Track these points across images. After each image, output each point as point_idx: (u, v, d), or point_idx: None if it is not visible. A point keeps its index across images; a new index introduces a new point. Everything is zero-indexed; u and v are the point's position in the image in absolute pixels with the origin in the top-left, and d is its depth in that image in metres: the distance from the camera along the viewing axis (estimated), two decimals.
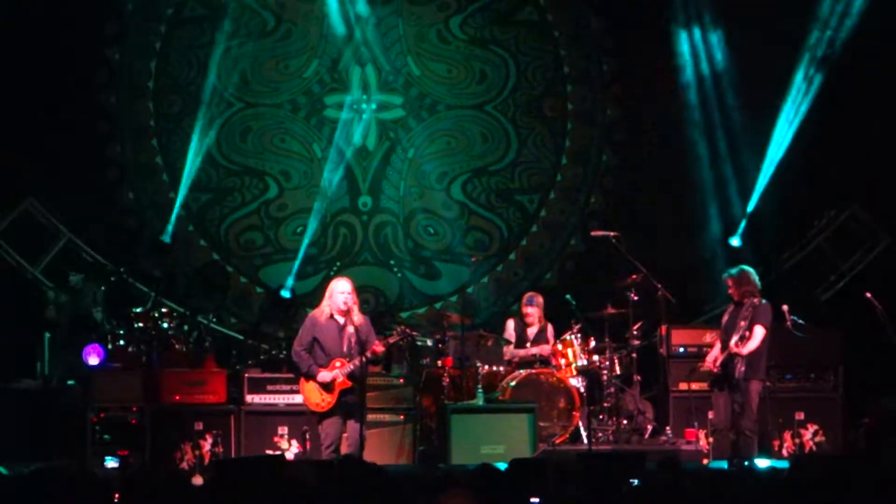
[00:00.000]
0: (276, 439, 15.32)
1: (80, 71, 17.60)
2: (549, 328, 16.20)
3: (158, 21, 17.97)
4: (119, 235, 17.76)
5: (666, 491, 9.12)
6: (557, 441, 15.34)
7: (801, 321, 15.56)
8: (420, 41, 18.33)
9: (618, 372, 16.01)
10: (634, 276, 16.03)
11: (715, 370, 14.29)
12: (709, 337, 15.42)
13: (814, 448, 15.69)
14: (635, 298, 15.90)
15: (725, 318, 14.46)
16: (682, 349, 15.87)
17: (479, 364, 15.60)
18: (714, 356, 14.34)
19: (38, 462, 13.21)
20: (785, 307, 15.42)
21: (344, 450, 13.66)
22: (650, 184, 18.14)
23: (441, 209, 18.41)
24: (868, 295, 15.15)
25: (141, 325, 15.95)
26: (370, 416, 14.57)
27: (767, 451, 15.22)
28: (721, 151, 17.93)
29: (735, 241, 17.62)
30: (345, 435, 13.69)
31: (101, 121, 17.87)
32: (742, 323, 14.14)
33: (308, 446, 15.06)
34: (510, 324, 16.38)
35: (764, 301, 14.36)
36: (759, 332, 14.11)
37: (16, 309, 16.62)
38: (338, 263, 18.18)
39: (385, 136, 18.37)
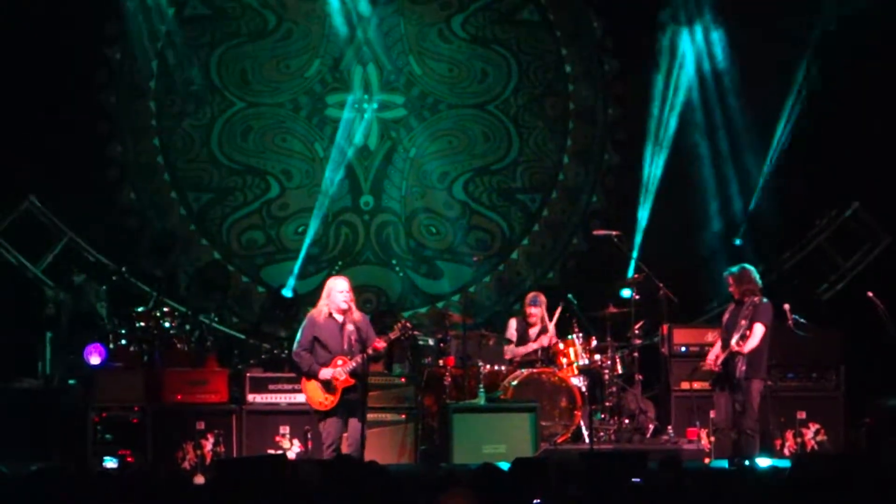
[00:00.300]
0: (277, 439, 15.32)
1: (81, 71, 17.60)
2: (551, 326, 16.18)
3: (159, 20, 17.96)
4: (120, 235, 17.76)
5: (667, 490, 9.11)
6: (559, 440, 15.34)
7: (802, 320, 15.56)
8: (422, 40, 18.33)
9: (619, 371, 16.01)
10: (636, 276, 16.03)
11: (716, 369, 14.27)
12: (710, 336, 15.41)
13: (815, 447, 15.68)
14: (637, 297, 15.89)
15: (726, 316, 14.45)
16: (683, 348, 15.86)
17: (480, 363, 15.61)
18: (715, 354, 14.33)
19: (39, 462, 13.20)
20: (786, 306, 15.42)
21: (345, 449, 13.65)
22: (651, 183, 18.12)
23: (443, 208, 18.41)
24: (869, 294, 15.15)
25: (142, 324, 15.95)
26: (372, 416, 14.56)
27: (769, 451, 15.21)
28: (722, 151, 17.93)
29: (738, 241, 17.61)
30: (345, 434, 13.68)
31: (101, 120, 17.87)
32: (743, 322, 14.13)
33: (310, 446, 15.05)
34: (512, 323, 16.37)
35: (765, 300, 14.34)
36: (759, 330, 14.10)
37: (17, 309, 16.61)
38: (339, 263, 18.18)
39: (387, 136, 18.37)
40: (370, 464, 9.87)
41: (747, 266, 14.52)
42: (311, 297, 16.96)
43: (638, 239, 17.53)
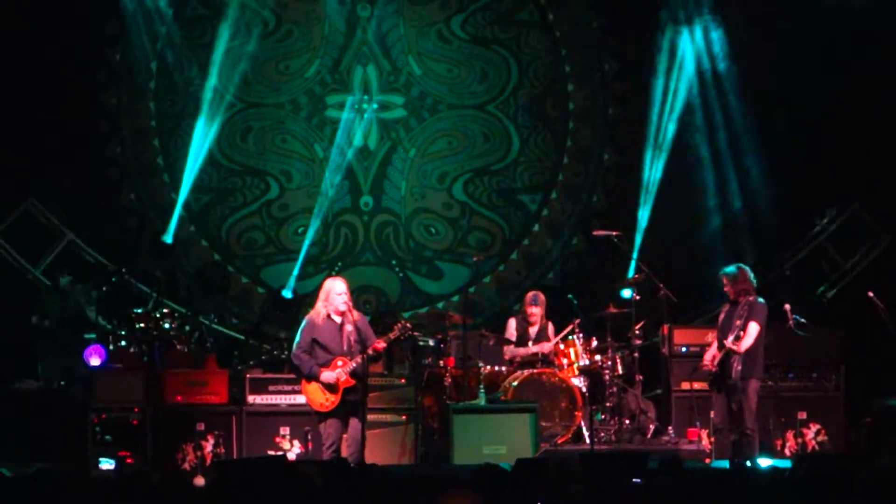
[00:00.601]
0: (277, 440, 15.30)
1: (81, 71, 17.60)
2: (550, 326, 16.19)
3: (159, 21, 17.95)
4: (120, 236, 17.76)
5: (668, 491, 9.10)
6: (559, 441, 15.33)
7: (802, 320, 15.56)
8: (421, 41, 18.32)
9: (620, 371, 15.99)
10: (636, 276, 16.02)
11: (713, 369, 14.28)
12: (710, 336, 15.38)
13: (816, 447, 15.67)
14: (637, 298, 15.89)
15: (721, 316, 14.44)
16: (684, 349, 15.85)
17: (480, 364, 15.60)
18: (712, 355, 14.33)
19: (40, 463, 13.19)
20: (787, 306, 15.42)
21: (345, 450, 13.65)
22: (651, 183, 18.12)
23: (442, 209, 18.41)
24: (870, 294, 15.15)
25: (142, 325, 15.94)
26: (372, 417, 14.55)
27: (770, 451, 15.21)
28: (722, 151, 17.92)
29: (736, 242, 17.62)
30: (345, 435, 13.68)
31: (101, 121, 17.87)
32: (738, 322, 14.12)
33: (310, 447, 15.04)
34: (511, 323, 16.36)
35: (760, 299, 14.34)
36: (753, 329, 14.08)
37: (17, 310, 16.60)
38: (339, 263, 18.18)
39: (386, 136, 18.36)
40: (370, 465, 9.87)
41: (743, 266, 14.50)
42: (310, 297, 16.95)
43: (638, 239, 17.53)
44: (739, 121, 17.82)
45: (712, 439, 14.93)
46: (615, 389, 15.89)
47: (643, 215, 17.85)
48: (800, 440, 15.70)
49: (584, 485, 9.34)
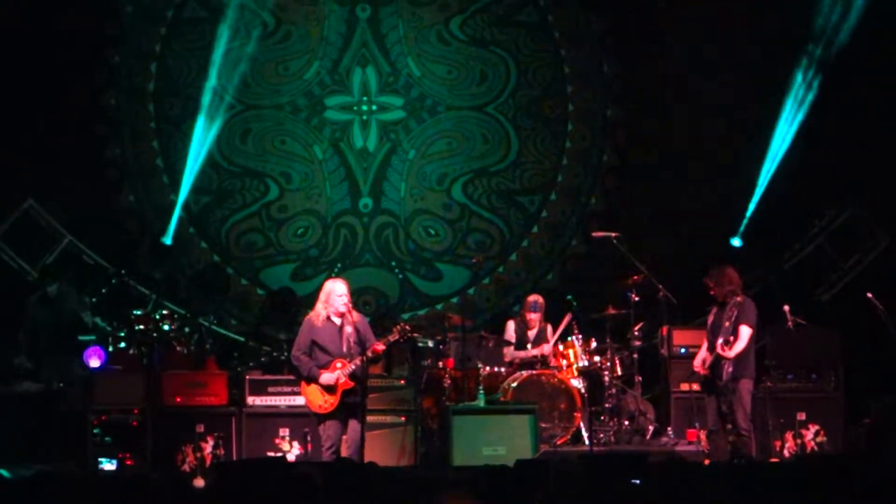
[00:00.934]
0: (277, 441, 15.30)
1: (80, 73, 17.60)
2: (549, 328, 16.20)
3: (158, 23, 17.96)
4: (119, 237, 17.76)
5: (668, 491, 9.11)
6: (559, 442, 15.33)
7: (802, 321, 15.55)
8: (420, 42, 18.33)
9: (619, 373, 15.99)
10: (636, 277, 16.02)
11: (703, 373, 14.26)
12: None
13: (815, 448, 15.67)
14: (636, 299, 15.89)
15: (710, 318, 14.39)
16: (683, 350, 15.84)
17: (480, 365, 15.60)
18: (702, 358, 14.30)
19: (39, 465, 13.19)
20: (786, 307, 15.41)
21: (344, 451, 13.65)
22: (650, 184, 18.13)
23: (442, 210, 18.42)
24: (869, 295, 15.15)
25: (142, 327, 15.93)
26: (371, 418, 14.55)
27: (769, 452, 15.21)
28: (722, 150, 17.92)
29: (736, 242, 17.61)
30: (345, 437, 13.68)
31: (100, 123, 17.88)
32: (727, 323, 14.07)
33: (309, 448, 15.04)
34: (510, 325, 16.37)
35: (748, 298, 14.32)
36: (744, 332, 14.05)
37: (16, 311, 16.58)
38: (338, 265, 18.19)
39: (386, 138, 18.37)
40: (369, 466, 9.87)
41: (725, 266, 14.44)
42: (310, 299, 16.97)
43: (637, 240, 17.51)
44: (738, 121, 17.82)
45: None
46: (614, 390, 15.89)
47: (642, 216, 17.85)
48: (799, 441, 15.69)
49: (584, 486, 9.35)
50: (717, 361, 14.08)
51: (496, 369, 15.83)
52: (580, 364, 15.82)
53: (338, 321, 13.73)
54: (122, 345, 15.92)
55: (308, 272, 18.10)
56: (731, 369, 14.02)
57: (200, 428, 15.25)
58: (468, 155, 18.46)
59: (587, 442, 15.03)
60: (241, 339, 17.38)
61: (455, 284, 18.18)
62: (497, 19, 18.41)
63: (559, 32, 18.49)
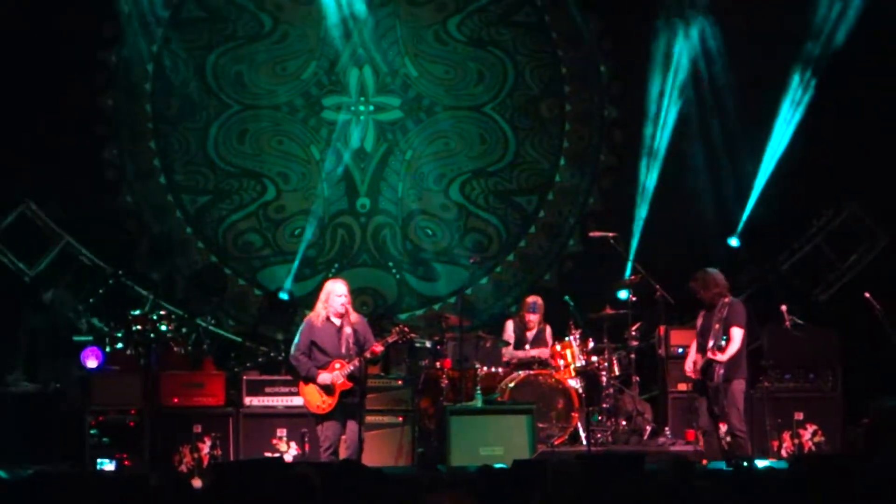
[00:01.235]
0: (274, 441, 15.31)
1: (78, 73, 17.59)
2: (548, 329, 16.20)
3: (155, 23, 17.95)
4: (117, 238, 17.75)
5: (667, 491, 9.11)
6: (556, 442, 15.34)
7: (799, 321, 15.55)
8: (418, 42, 18.32)
9: (616, 373, 16.01)
10: (633, 277, 16.03)
11: (694, 376, 14.25)
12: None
13: (813, 448, 15.67)
14: (634, 299, 15.89)
15: (700, 321, 14.34)
16: (680, 350, 15.82)
17: (477, 365, 15.60)
18: (693, 361, 14.27)
19: (37, 465, 13.19)
20: (783, 307, 15.41)
21: (342, 452, 13.65)
22: (648, 184, 18.12)
23: (439, 210, 18.41)
24: (867, 295, 15.16)
25: (139, 327, 15.93)
26: (369, 418, 14.56)
27: (766, 452, 15.21)
28: (719, 151, 17.91)
29: (734, 242, 17.62)
30: (343, 437, 13.68)
31: (98, 123, 17.87)
32: (717, 325, 14.03)
33: (307, 448, 15.04)
34: (509, 325, 16.37)
35: (735, 299, 14.31)
36: (736, 333, 14.01)
37: (16, 312, 16.58)
38: (336, 265, 18.18)
39: (383, 138, 18.36)
40: (367, 467, 9.86)
41: (709, 270, 14.39)
42: (308, 299, 16.97)
43: (634, 240, 17.52)
44: (736, 121, 17.81)
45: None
46: (612, 391, 15.90)
47: (640, 216, 17.84)
48: (796, 441, 15.70)
49: (581, 486, 9.35)
50: (709, 364, 14.05)
51: (494, 369, 15.83)
52: (578, 364, 15.83)
53: (337, 321, 13.73)
54: (120, 345, 15.93)
55: (306, 272, 18.08)
56: (722, 371, 13.99)
57: (198, 428, 15.26)
58: (466, 155, 18.45)
59: (585, 442, 15.03)
60: (239, 339, 17.38)
61: (452, 285, 18.17)
62: (494, 20, 18.40)
63: (556, 33, 18.49)
